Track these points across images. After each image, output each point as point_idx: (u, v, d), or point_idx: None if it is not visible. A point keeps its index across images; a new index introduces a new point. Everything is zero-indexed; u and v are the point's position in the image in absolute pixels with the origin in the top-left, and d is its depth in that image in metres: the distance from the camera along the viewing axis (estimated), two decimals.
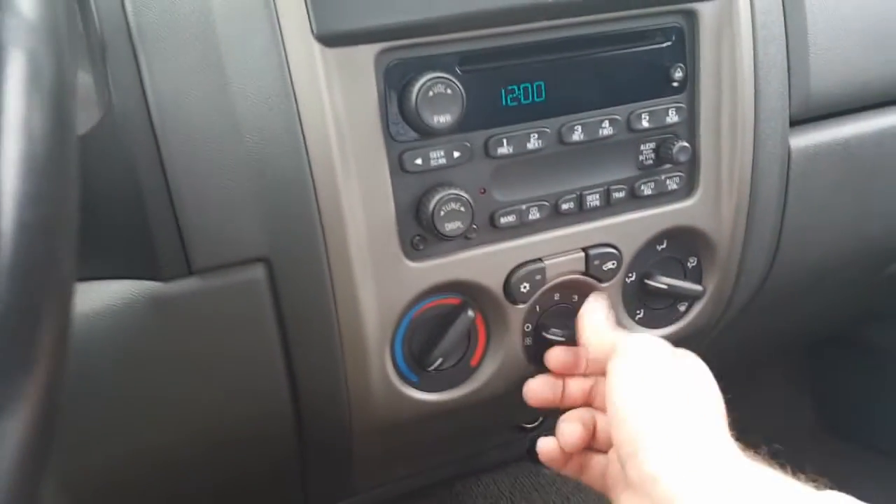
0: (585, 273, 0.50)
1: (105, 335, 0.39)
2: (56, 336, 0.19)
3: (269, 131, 0.40)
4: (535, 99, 0.46)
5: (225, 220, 0.40)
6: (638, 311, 0.55)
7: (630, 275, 0.53)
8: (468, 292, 0.48)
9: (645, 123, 0.48)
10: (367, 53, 0.40)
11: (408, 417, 0.51)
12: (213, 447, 0.49)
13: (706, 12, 0.48)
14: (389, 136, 0.43)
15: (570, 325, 0.50)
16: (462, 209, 0.44)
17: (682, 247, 0.54)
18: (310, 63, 0.40)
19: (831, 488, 0.35)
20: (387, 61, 0.41)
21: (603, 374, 0.44)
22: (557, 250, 0.49)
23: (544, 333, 0.51)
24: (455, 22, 0.42)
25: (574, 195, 0.48)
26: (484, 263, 0.47)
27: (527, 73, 0.45)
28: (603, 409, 0.45)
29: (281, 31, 0.40)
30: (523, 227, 0.48)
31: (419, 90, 0.41)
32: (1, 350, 0.18)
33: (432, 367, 0.49)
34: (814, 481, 0.36)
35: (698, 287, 0.55)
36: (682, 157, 0.49)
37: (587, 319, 0.48)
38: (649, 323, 0.55)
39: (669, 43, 0.48)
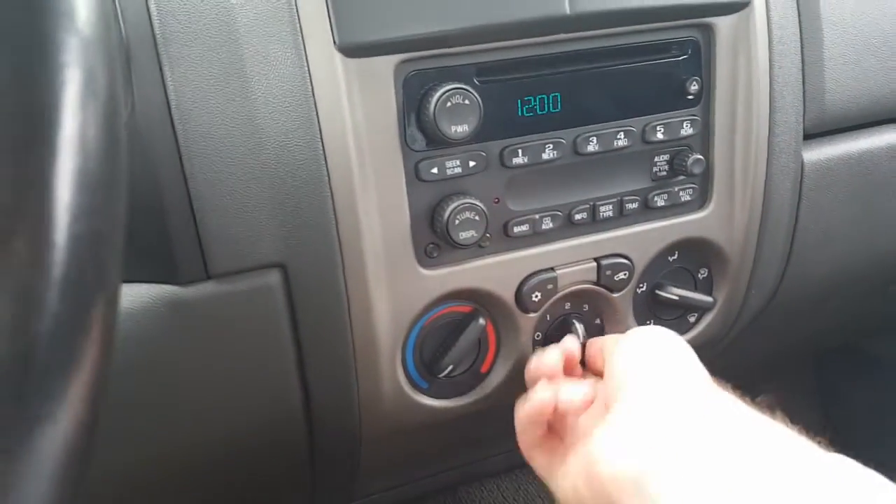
0: (597, 283, 0.51)
1: (122, 338, 0.40)
2: (103, 345, 0.20)
3: (289, 139, 0.40)
4: (551, 110, 0.46)
5: (243, 225, 0.41)
6: (648, 322, 0.55)
7: (641, 285, 0.53)
8: (480, 300, 0.49)
9: (660, 135, 0.49)
10: (386, 64, 0.41)
11: (417, 423, 0.51)
12: (225, 450, 0.49)
13: (722, 26, 0.49)
14: (406, 146, 0.43)
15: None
16: (476, 218, 0.44)
17: (693, 258, 0.54)
18: (331, 73, 0.40)
19: None
20: (406, 72, 0.42)
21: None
22: (570, 260, 0.49)
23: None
24: (474, 34, 0.42)
25: (587, 205, 0.49)
26: (496, 272, 0.48)
27: (543, 85, 0.45)
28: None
29: (303, 42, 0.40)
30: (536, 237, 0.48)
31: (437, 100, 0.41)
32: (52, 358, 0.19)
33: (443, 374, 0.49)
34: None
35: (709, 298, 0.56)
36: (697, 170, 0.49)
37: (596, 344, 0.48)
38: None
39: (685, 56, 0.49)
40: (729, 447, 0.33)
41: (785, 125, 0.53)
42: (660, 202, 0.51)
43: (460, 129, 0.42)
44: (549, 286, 0.49)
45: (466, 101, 0.42)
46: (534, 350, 0.52)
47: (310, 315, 0.44)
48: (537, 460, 0.46)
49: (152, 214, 0.39)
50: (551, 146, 0.46)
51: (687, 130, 0.49)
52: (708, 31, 0.49)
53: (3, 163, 0.18)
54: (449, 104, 0.42)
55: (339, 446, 0.53)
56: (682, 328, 0.57)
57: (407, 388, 0.49)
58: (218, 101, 0.39)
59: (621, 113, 0.48)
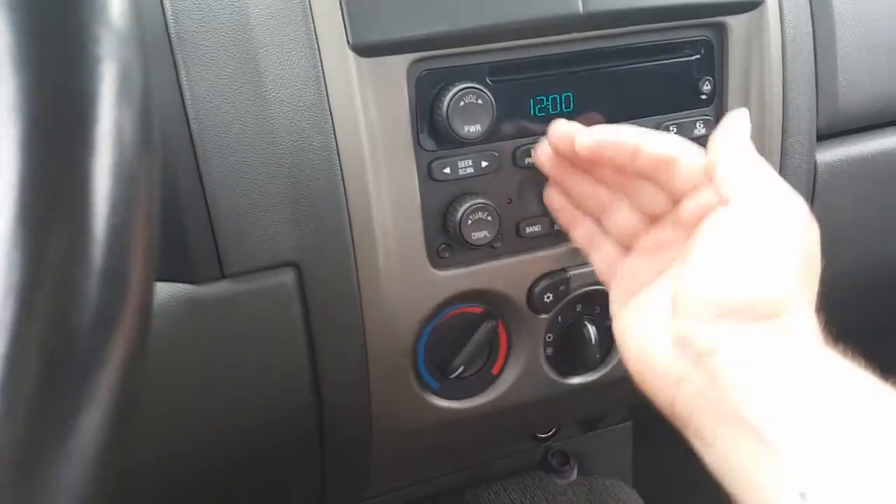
0: None
1: None
2: (140, 336, 0.20)
3: (303, 139, 0.41)
4: (564, 110, 0.46)
5: (258, 224, 0.41)
6: None
7: None
8: (491, 301, 0.49)
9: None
10: (400, 63, 0.41)
11: (428, 424, 0.51)
12: (235, 448, 0.49)
13: (736, 25, 0.48)
14: (419, 145, 0.43)
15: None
16: (489, 218, 0.44)
17: None
18: (344, 72, 0.40)
19: None
20: (418, 71, 0.42)
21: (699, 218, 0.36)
22: (582, 261, 0.49)
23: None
24: (486, 33, 0.42)
25: None
26: (508, 273, 0.48)
27: (556, 85, 0.45)
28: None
29: (317, 41, 0.40)
30: (548, 238, 0.48)
31: (450, 100, 0.41)
32: (93, 347, 0.19)
33: (454, 375, 0.49)
34: None
35: None
36: None
37: (722, 147, 0.37)
38: None
39: (698, 56, 0.49)
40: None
41: (798, 125, 0.53)
42: None
43: (473, 129, 0.42)
44: (562, 287, 0.49)
45: (479, 101, 0.42)
46: (545, 352, 0.51)
47: (322, 314, 0.44)
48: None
49: (168, 213, 0.39)
50: None
51: (700, 130, 0.49)
52: (721, 30, 0.48)
53: (41, 155, 0.18)
54: (462, 104, 0.42)
55: (350, 446, 0.53)
56: None
57: (418, 389, 0.49)
58: (233, 101, 0.39)
59: (634, 112, 0.48)
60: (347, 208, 0.42)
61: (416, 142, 0.43)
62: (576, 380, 0.53)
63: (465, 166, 0.44)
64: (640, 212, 0.41)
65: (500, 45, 0.43)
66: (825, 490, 0.27)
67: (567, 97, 0.46)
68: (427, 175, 0.44)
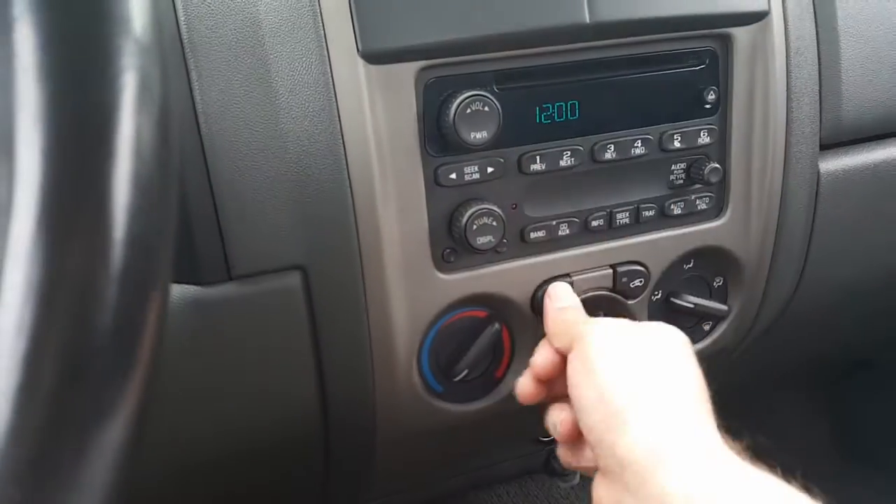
0: (613, 290, 0.51)
1: None
2: (156, 339, 0.21)
3: (311, 144, 0.41)
4: (569, 117, 0.46)
5: (266, 228, 0.41)
6: None
7: (656, 293, 0.53)
8: (495, 305, 0.49)
9: (677, 144, 0.49)
10: (408, 71, 0.41)
11: (432, 426, 0.51)
12: (240, 450, 0.50)
13: (741, 37, 0.49)
14: (426, 151, 0.43)
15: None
16: (494, 223, 0.45)
17: (709, 266, 0.54)
18: (353, 79, 0.41)
19: None
20: (426, 78, 0.42)
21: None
22: (586, 266, 0.50)
23: None
24: (494, 41, 0.43)
25: (604, 212, 0.49)
26: (512, 277, 0.48)
27: (561, 92, 0.46)
28: None
29: (327, 48, 0.41)
30: (553, 243, 0.48)
31: (457, 107, 0.42)
32: (113, 350, 0.20)
33: (458, 378, 0.50)
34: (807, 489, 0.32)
35: (724, 307, 0.56)
36: (714, 178, 0.50)
37: (551, 310, 0.45)
38: None
39: (703, 66, 0.49)
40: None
41: (801, 135, 0.53)
42: (676, 210, 0.51)
43: (479, 136, 0.43)
44: None
45: (486, 108, 0.42)
46: None
47: (328, 317, 0.44)
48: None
49: (178, 215, 0.40)
50: (569, 153, 0.47)
51: (704, 139, 0.50)
52: (726, 41, 0.49)
53: (63, 164, 0.19)
54: (469, 111, 0.42)
55: (355, 449, 0.53)
56: (696, 336, 0.57)
57: (422, 392, 0.49)
58: (243, 106, 0.40)
59: (639, 121, 0.48)
60: (354, 213, 0.43)
61: (423, 148, 0.43)
62: None
63: (471, 172, 0.45)
64: None
65: (507, 53, 0.44)
66: None
67: (573, 105, 0.46)
68: (433, 180, 0.44)
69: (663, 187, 0.51)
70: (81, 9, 0.19)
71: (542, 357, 0.45)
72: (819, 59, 0.53)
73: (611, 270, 0.50)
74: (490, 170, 0.45)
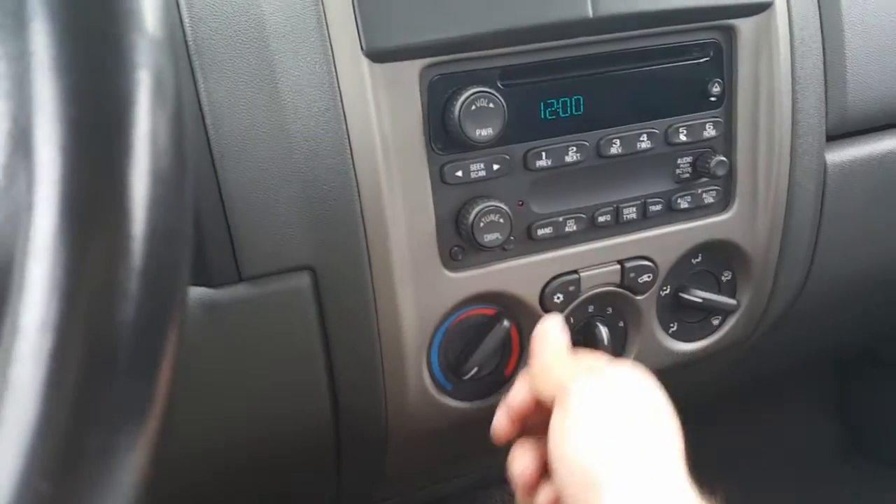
0: (621, 285, 0.51)
1: None
2: (176, 336, 0.21)
3: (318, 144, 0.41)
4: (574, 113, 0.46)
5: (274, 229, 0.41)
6: (671, 325, 0.55)
7: (665, 288, 0.53)
8: (504, 303, 0.49)
9: (683, 137, 0.49)
10: (412, 69, 0.41)
11: (442, 425, 0.51)
12: (251, 450, 0.50)
13: (744, 28, 0.49)
14: (431, 149, 0.43)
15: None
16: (501, 221, 0.45)
17: (717, 260, 0.54)
18: (358, 78, 0.41)
19: None
20: (431, 76, 0.42)
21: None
22: (593, 262, 0.50)
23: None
24: (498, 38, 0.43)
25: (611, 208, 0.49)
26: (520, 274, 0.48)
27: (566, 88, 0.46)
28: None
29: (332, 48, 0.41)
30: (560, 239, 0.48)
31: (462, 104, 0.42)
32: (135, 346, 0.20)
33: (467, 376, 0.50)
34: None
35: (732, 301, 0.55)
36: (720, 172, 0.49)
37: (539, 352, 0.43)
38: (682, 336, 0.56)
39: (707, 58, 0.49)
40: None
41: (807, 127, 0.53)
42: (683, 204, 0.51)
43: (485, 133, 0.43)
44: (573, 288, 0.49)
45: (491, 105, 0.42)
46: None
47: (338, 316, 0.44)
48: None
49: None
50: (574, 149, 0.46)
51: (710, 132, 0.50)
52: (730, 32, 0.49)
53: (82, 159, 0.19)
54: (473, 107, 0.42)
55: (365, 448, 0.53)
56: (705, 331, 0.56)
57: (432, 390, 0.49)
58: (249, 107, 0.40)
59: (644, 115, 0.48)
60: (361, 212, 0.43)
61: (429, 146, 0.43)
62: None
63: (477, 169, 0.44)
64: None
65: (511, 49, 0.44)
66: None
67: (577, 100, 0.46)
68: (439, 178, 0.44)
69: (670, 181, 0.50)
70: (96, 5, 0.19)
71: (520, 398, 0.44)
72: (824, 49, 0.53)
73: (619, 266, 0.50)
74: (496, 167, 0.45)
